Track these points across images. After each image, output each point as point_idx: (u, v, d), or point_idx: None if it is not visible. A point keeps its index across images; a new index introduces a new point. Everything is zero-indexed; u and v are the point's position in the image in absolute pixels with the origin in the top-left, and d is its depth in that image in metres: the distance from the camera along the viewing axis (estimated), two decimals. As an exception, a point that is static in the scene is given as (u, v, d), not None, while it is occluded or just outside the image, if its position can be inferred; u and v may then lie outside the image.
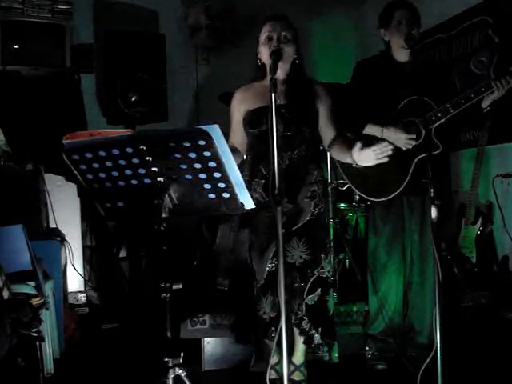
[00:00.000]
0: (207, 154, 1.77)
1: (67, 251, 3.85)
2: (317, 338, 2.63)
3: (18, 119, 4.21)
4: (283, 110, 2.55)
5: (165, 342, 1.96)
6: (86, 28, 5.12)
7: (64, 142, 1.85)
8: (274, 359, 2.64)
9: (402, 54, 2.98)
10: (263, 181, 2.61)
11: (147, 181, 1.90)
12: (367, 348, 3.15)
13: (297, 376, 2.71)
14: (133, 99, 4.69)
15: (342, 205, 4.32)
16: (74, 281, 4.09)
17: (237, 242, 3.22)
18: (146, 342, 3.37)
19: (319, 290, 2.62)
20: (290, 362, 2.64)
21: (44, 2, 4.61)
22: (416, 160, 2.86)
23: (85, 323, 3.91)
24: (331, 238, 3.76)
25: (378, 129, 2.89)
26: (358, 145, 2.47)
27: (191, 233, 4.11)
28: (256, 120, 2.61)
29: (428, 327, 2.90)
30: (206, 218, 3.99)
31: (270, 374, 2.55)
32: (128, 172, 1.88)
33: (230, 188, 1.85)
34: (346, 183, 3.25)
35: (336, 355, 2.78)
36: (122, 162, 1.86)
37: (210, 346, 3.21)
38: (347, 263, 4.09)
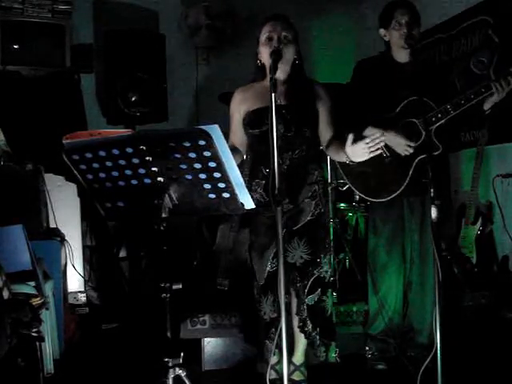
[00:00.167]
0: (207, 154, 1.77)
1: (67, 251, 3.84)
2: (316, 338, 2.64)
3: (18, 119, 4.21)
4: (284, 110, 2.55)
5: (165, 341, 1.96)
6: (86, 28, 5.12)
7: (64, 141, 1.85)
8: (273, 359, 2.64)
9: (402, 54, 2.97)
10: (263, 181, 2.61)
11: (147, 181, 1.90)
12: (367, 348, 3.15)
13: (297, 376, 2.71)
14: (133, 99, 4.69)
15: (342, 205, 4.32)
16: (74, 281, 4.08)
17: (237, 242, 3.23)
18: (146, 342, 3.37)
19: (319, 290, 2.63)
20: (290, 361, 2.64)
21: (44, 2, 4.61)
22: (416, 161, 2.86)
23: (85, 323, 3.91)
24: (331, 237, 3.77)
25: (379, 132, 2.89)
26: (351, 137, 2.44)
27: (191, 233, 4.11)
28: (257, 120, 2.61)
29: (428, 327, 2.90)
30: (205, 218, 3.99)
31: (270, 374, 2.55)
32: (128, 172, 1.88)
33: (230, 188, 1.85)
34: (346, 183, 3.24)
35: (333, 355, 2.75)
36: (122, 162, 1.86)
37: (210, 345, 3.21)
38: (347, 263, 4.09)
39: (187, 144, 1.77)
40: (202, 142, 1.75)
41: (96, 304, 4.23)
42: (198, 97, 5.51)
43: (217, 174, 1.82)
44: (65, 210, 3.96)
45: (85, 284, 4.17)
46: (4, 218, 2.91)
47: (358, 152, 2.46)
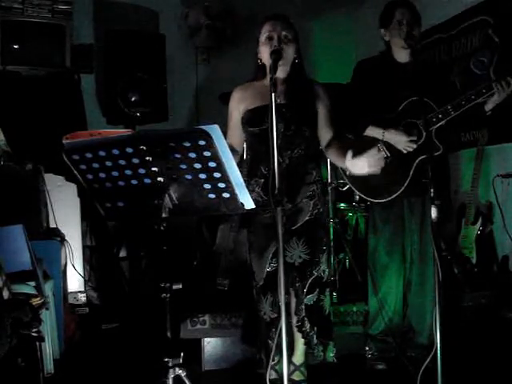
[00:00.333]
0: (207, 154, 1.77)
1: (67, 251, 3.85)
2: (313, 337, 2.64)
3: (18, 119, 4.21)
4: (283, 108, 2.55)
5: (165, 342, 1.96)
6: (85, 28, 5.13)
7: (64, 142, 1.85)
8: (274, 359, 2.64)
9: (402, 54, 2.97)
10: (262, 180, 2.61)
11: (147, 181, 1.89)
12: (367, 348, 3.15)
13: (297, 376, 2.71)
14: (133, 99, 4.69)
15: (342, 205, 4.33)
16: (74, 281, 4.08)
17: (237, 242, 3.23)
18: (146, 342, 3.37)
19: (317, 289, 2.63)
20: (290, 361, 2.63)
21: (44, 2, 4.61)
22: (417, 161, 2.86)
23: (85, 323, 3.91)
24: (331, 237, 3.77)
25: (379, 131, 2.89)
26: (350, 153, 2.46)
27: (191, 233, 4.11)
28: (256, 119, 2.60)
29: (428, 327, 2.90)
30: (205, 218, 3.98)
31: (270, 374, 2.55)
32: (128, 172, 1.88)
33: (229, 188, 1.85)
34: (346, 183, 3.25)
35: (331, 355, 2.74)
36: (122, 162, 1.86)
37: (210, 345, 3.21)
38: (347, 263, 4.08)
39: (187, 144, 1.77)
40: (202, 142, 1.75)
41: (96, 304, 4.23)
42: (198, 97, 5.51)
43: (217, 174, 1.82)
44: (65, 209, 3.97)
45: (85, 284, 4.17)
46: (4, 218, 2.90)
47: (358, 167, 2.47)
